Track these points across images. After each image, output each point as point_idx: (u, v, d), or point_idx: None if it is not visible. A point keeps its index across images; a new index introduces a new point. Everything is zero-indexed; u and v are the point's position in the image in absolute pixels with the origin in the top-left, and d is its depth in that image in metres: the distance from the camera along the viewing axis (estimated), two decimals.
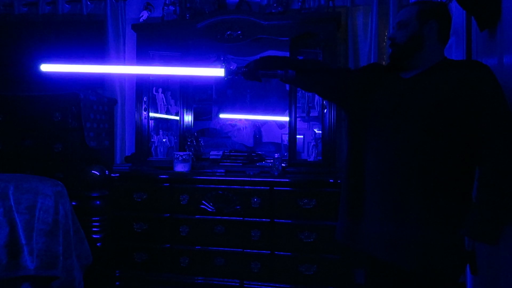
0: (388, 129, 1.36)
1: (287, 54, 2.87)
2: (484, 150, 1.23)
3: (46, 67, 1.93)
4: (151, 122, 3.09)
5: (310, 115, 2.92)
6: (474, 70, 1.28)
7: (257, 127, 3.29)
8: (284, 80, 1.55)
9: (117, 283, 2.78)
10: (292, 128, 2.80)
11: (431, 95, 1.30)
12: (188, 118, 3.14)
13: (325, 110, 2.69)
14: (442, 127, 1.27)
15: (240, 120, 3.30)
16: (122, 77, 3.29)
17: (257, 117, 3.26)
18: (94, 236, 2.63)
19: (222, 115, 3.32)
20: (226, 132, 3.33)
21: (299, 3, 2.88)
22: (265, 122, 3.29)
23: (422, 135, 1.28)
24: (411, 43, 1.37)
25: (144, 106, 3.02)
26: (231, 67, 1.53)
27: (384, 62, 2.85)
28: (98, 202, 2.67)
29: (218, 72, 1.66)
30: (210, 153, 3.06)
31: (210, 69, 1.77)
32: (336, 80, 1.58)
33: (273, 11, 2.84)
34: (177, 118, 3.09)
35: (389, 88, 1.42)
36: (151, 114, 3.08)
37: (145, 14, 3.08)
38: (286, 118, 2.86)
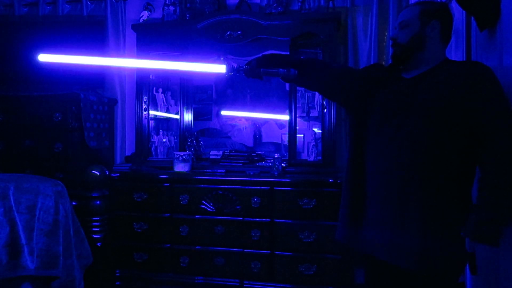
0: (389, 129, 1.36)
1: (287, 54, 2.88)
2: (485, 151, 1.23)
3: (43, 57, 1.91)
4: (151, 122, 3.10)
5: (310, 115, 2.92)
6: (476, 71, 1.28)
7: (257, 127, 3.29)
8: (285, 79, 1.55)
9: (117, 283, 2.78)
10: (292, 128, 2.81)
11: (433, 95, 1.30)
12: (188, 118, 3.14)
13: (325, 110, 2.69)
14: (443, 127, 1.27)
15: (240, 120, 3.30)
16: (122, 77, 3.30)
17: (257, 114, 3.26)
18: (94, 236, 2.62)
19: (223, 112, 3.32)
20: (226, 132, 3.33)
21: (299, 4, 2.88)
22: (265, 122, 3.29)
23: (424, 136, 1.29)
24: (413, 43, 1.38)
25: (144, 106, 3.02)
26: (233, 65, 1.53)
27: (384, 62, 2.85)
28: (98, 202, 2.66)
29: (219, 68, 1.65)
30: (210, 153, 3.06)
31: (212, 65, 1.75)
32: (338, 79, 1.58)
33: (273, 11, 2.84)
34: (177, 117, 3.09)
35: (391, 88, 1.42)
36: (151, 112, 3.08)
37: (145, 14, 3.07)
38: (286, 117, 2.87)
